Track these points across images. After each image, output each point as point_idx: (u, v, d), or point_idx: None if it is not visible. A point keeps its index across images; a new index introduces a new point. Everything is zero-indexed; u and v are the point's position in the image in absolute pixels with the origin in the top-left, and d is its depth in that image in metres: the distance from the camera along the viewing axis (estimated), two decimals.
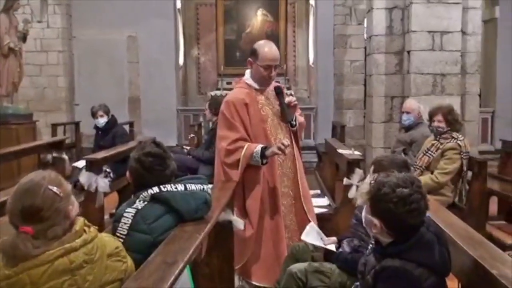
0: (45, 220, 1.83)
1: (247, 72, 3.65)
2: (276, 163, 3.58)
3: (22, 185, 1.87)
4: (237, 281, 3.60)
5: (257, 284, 3.56)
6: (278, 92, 3.63)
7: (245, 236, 3.42)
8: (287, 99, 3.60)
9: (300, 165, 3.74)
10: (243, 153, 3.40)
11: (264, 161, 3.42)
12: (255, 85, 3.59)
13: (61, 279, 1.78)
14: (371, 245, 2.42)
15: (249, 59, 3.57)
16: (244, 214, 3.50)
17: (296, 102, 3.64)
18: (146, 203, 2.39)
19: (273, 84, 3.69)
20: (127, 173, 2.55)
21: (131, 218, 2.32)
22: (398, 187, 2.05)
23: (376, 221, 2.11)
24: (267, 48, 3.51)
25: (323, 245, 3.10)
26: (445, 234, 2.28)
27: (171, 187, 2.42)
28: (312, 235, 3.19)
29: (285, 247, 3.52)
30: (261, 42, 3.65)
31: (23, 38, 8.63)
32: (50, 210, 1.83)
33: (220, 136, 3.54)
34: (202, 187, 2.52)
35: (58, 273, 1.78)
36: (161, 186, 2.41)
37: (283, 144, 3.31)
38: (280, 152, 3.36)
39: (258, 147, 3.40)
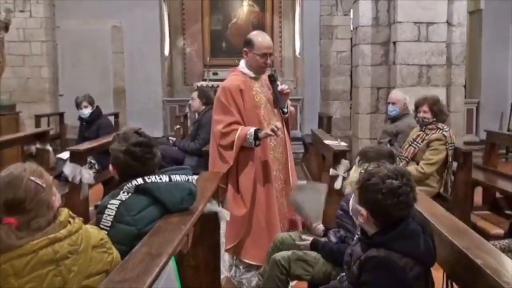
0: (28, 212, 1.81)
1: (242, 61, 3.82)
2: (268, 147, 3.72)
3: (3, 178, 1.85)
4: (230, 259, 3.73)
5: (250, 262, 3.67)
6: (272, 79, 3.78)
7: (238, 215, 3.53)
8: (280, 87, 3.75)
9: (290, 151, 3.91)
10: (237, 135, 3.55)
11: (257, 142, 3.55)
12: (250, 73, 3.77)
13: (45, 270, 1.76)
14: (357, 236, 2.43)
15: (245, 49, 3.73)
16: (237, 192, 3.65)
17: (288, 90, 3.81)
18: (130, 194, 2.36)
19: (266, 72, 3.86)
20: (110, 167, 2.52)
21: (115, 209, 2.29)
22: (388, 178, 2.05)
23: (363, 210, 2.11)
24: (261, 38, 3.71)
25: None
26: (430, 224, 2.29)
27: (155, 178, 2.40)
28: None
29: (278, 229, 3.65)
30: (255, 32, 3.86)
31: (5, 27, 8.48)
32: (33, 201, 1.81)
33: (215, 120, 3.70)
34: (186, 178, 2.50)
35: (42, 264, 1.76)
36: (146, 177, 2.38)
37: (276, 126, 3.47)
38: (272, 134, 3.50)
39: (252, 129, 3.55)
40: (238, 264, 3.72)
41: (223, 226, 3.54)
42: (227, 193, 3.66)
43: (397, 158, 4.58)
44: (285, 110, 3.84)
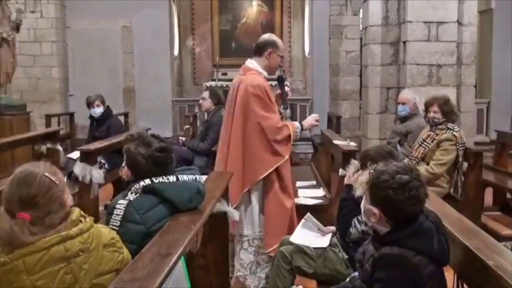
0: (41, 207, 1.83)
1: (253, 62, 3.82)
2: None
3: (19, 174, 1.87)
4: (252, 257, 3.75)
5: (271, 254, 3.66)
6: (280, 80, 3.90)
7: (288, 206, 3.69)
8: (287, 88, 3.91)
9: None
10: (291, 129, 3.71)
11: (300, 135, 3.80)
12: (265, 74, 3.84)
13: (56, 267, 1.77)
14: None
15: (270, 49, 3.76)
16: (281, 185, 3.72)
17: (290, 92, 3.98)
18: (138, 195, 2.40)
19: (277, 72, 4.05)
20: (125, 168, 2.53)
21: (123, 209, 2.33)
22: (397, 174, 2.06)
23: (375, 209, 2.10)
24: (280, 40, 3.91)
25: (312, 244, 3.12)
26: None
27: (162, 178, 2.43)
28: (307, 227, 3.23)
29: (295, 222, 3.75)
30: (272, 35, 4.02)
31: (16, 28, 8.53)
32: (46, 196, 1.83)
33: (262, 116, 3.65)
34: (194, 177, 2.53)
35: (54, 261, 1.77)
36: (153, 178, 2.42)
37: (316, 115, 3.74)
38: (317, 123, 3.83)
39: (297, 123, 3.81)
40: (259, 260, 3.75)
41: (258, 229, 3.66)
42: (267, 190, 3.70)
43: (407, 158, 4.57)
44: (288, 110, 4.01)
